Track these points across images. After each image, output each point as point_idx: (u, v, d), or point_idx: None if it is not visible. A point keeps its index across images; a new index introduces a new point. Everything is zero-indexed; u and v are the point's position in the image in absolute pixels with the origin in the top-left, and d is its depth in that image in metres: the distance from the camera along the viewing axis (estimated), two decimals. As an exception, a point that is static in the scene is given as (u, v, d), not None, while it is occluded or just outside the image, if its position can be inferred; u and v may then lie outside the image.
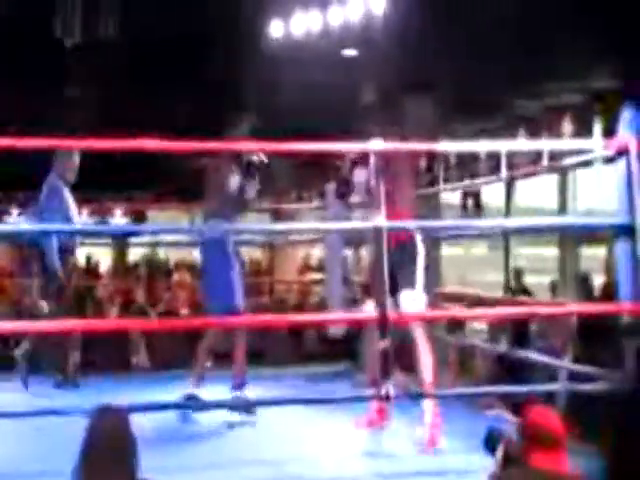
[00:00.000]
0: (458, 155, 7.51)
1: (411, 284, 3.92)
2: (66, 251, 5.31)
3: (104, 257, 12.30)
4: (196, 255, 11.05)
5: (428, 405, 3.80)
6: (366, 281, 4.22)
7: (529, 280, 7.61)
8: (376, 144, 3.54)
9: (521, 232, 5.04)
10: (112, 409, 2.34)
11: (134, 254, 12.87)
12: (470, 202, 9.60)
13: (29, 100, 9.47)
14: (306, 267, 10.00)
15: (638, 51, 5.79)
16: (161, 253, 12.93)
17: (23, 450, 3.76)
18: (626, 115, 3.73)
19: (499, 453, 2.53)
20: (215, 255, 4.30)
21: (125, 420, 2.30)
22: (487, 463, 3.30)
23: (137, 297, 7.90)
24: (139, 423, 2.35)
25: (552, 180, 7.36)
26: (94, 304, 7.95)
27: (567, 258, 7.32)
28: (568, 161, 4.78)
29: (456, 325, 5.96)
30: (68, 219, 5.23)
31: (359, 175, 3.97)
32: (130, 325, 4.54)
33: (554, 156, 5.27)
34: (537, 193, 7.39)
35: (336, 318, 5.33)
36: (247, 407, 4.20)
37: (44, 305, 7.73)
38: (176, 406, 4.10)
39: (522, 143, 3.81)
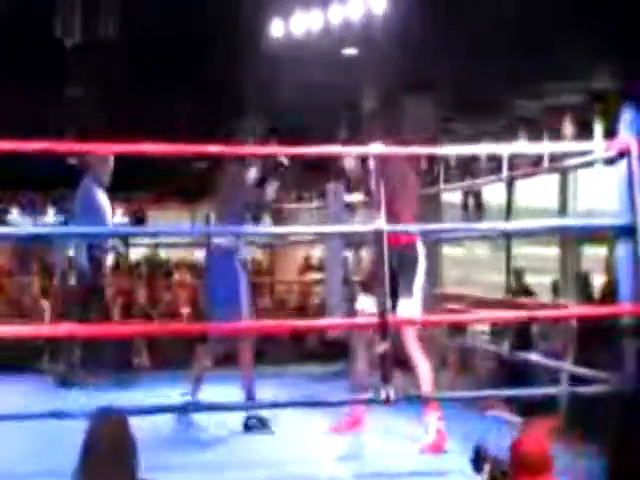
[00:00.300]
0: (459, 155, 7.50)
1: (409, 293, 3.90)
2: (100, 251, 5.30)
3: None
4: (198, 255, 11.06)
5: (432, 412, 3.78)
6: (364, 279, 4.19)
7: (530, 280, 7.60)
8: (376, 147, 3.53)
9: (522, 234, 5.04)
10: (112, 411, 2.35)
11: (135, 254, 12.86)
12: (471, 201, 9.60)
13: (29, 100, 9.47)
14: (307, 267, 10.00)
15: (638, 51, 5.78)
16: (162, 253, 12.93)
17: (23, 451, 3.76)
18: (626, 116, 3.72)
19: (485, 473, 2.54)
20: (223, 262, 4.20)
21: (125, 422, 2.30)
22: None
23: (138, 297, 7.90)
24: (139, 424, 2.35)
25: (553, 179, 7.36)
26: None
27: (568, 258, 7.33)
28: (569, 162, 4.77)
29: (457, 327, 5.95)
30: (103, 221, 5.21)
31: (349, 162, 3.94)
32: (132, 330, 4.53)
33: (555, 156, 5.27)
34: (538, 193, 7.39)
35: (336, 323, 5.32)
36: (262, 423, 4.15)
37: (45, 305, 7.74)
38: (176, 409, 4.09)
39: (523, 146, 3.80)
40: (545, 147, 3.55)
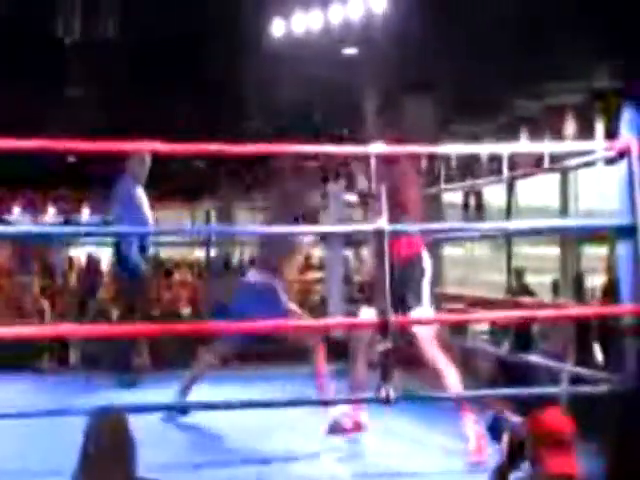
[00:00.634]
0: (459, 155, 7.50)
1: (419, 301, 3.86)
2: (143, 252, 5.29)
3: (105, 256, 12.30)
4: (197, 254, 11.06)
5: (467, 418, 3.75)
6: (370, 282, 4.16)
7: (530, 280, 7.61)
8: (376, 147, 3.53)
9: (523, 234, 5.04)
10: (111, 410, 2.35)
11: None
12: (472, 202, 9.60)
13: (29, 100, 9.47)
14: (307, 266, 9.99)
15: (638, 51, 5.79)
16: (162, 252, 12.93)
17: (23, 449, 3.76)
18: (627, 115, 3.72)
19: (504, 442, 2.50)
20: (262, 295, 4.17)
21: (124, 421, 2.30)
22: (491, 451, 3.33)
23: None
24: (137, 423, 2.35)
25: (554, 179, 7.36)
26: (96, 303, 7.95)
27: (568, 258, 7.33)
28: (569, 162, 4.77)
29: (458, 327, 5.95)
30: (144, 220, 5.19)
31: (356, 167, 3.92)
32: (134, 330, 4.52)
33: (556, 156, 5.27)
34: (539, 192, 7.39)
35: (337, 323, 5.32)
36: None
37: (45, 304, 7.74)
38: (174, 407, 4.09)
39: (524, 145, 3.80)
40: (546, 147, 3.55)
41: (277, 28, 8.00)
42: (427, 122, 6.41)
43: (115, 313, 7.69)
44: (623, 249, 3.68)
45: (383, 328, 3.36)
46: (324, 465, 3.65)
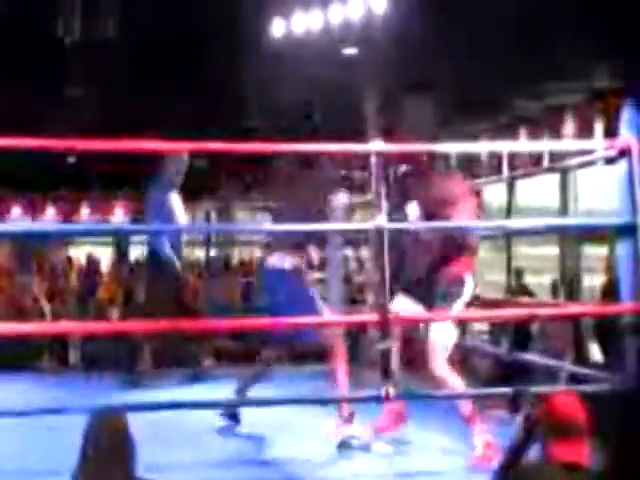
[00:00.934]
0: (459, 155, 7.50)
1: (452, 302, 3.77)
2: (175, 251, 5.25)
3: (105, 256, 12.30)
4: (199, 254, 11.04)
5: (475, 426, 3.71)
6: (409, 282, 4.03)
7: (529, 280, 7.60)
8: (376, 145, 3.53)
9: (523, 233, 5.04)
10: (111, 410, 2.35)
11: (135, 253, 12.86)
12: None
13: (29, 100, 9.48)
14: (307, 266, 9.99)
15: (638, 51, 5.79)
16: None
17: (23, 449, 3.76)
18: (627, 115, 3.72)
19: (522, 418, 2.43)
20: (289, 286, 4.03)
21: (124, 421, 2.30)
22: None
23: (138, 296, 7.90)
24: (135, 422, 2.34)
25: (553, 179, 7.34)
26: (95, 303, 7.96)
27: (567, 258, 7.30)
28: (569, 161, 4.77)
29: (457, 326, 5.94)
30: (174, 222, 5.14)
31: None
32: (134, 327, 4.53)
33: (555, 156, 5.27)
34: (538, 192, 7.38)
35: (337, 321, 5.31)
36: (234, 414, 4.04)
37: (46, 305, 7.75)
38: (174, 406, 4.08)
39: (525, 144, 3.80)
40: (545, 146, 3.55)
41: (277, 28, 8.00)
42: (427, 122, 6.41)
43: (114, 313, 7.71)
44: (623, 248, 3.69)
45: (383, 326, 3.37)
46: (323, 465, 3.64)
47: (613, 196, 3.81)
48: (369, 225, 3.64)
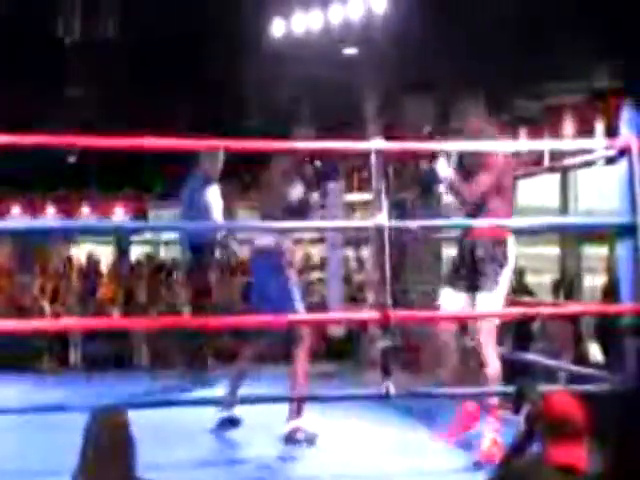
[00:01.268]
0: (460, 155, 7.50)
1: (491, 287, 3.74)
2: (223, 247, 5.21)
3: (105, 255, 12.29)
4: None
5: (489, 422, 3.72)
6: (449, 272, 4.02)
7: (529, 279, 7.60)
8: (377, 143, 3.54)
9: (523, 232, 5.04)
10: (111, 408, 2.34)
11: (135, 253, 12.83)
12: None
13: (29, 100, 9.48)
14: (307, 266, 9.99)
15: (638, 51, 5.80)
16: (162, 252, 12.92)
17: (24, 448, 3.76)
18: (627, 115, 3.73)
19: (523, 416, 2.41)
20: (269, 262, 4.02)
21: (124, 419, 2.29)
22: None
23: (138, 296, 7.90)
24: (135, 420, 2.34)
25: (554, 179, 7.35)
26: (95, 303, 7.96)
27: (568, 257, 7.32)
28: (570, 161, 4.77)
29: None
30: (212, 217, 5.06)
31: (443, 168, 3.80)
32: (133, 323, 4.52)
33: (556, 156, 5.27)
34: (539, 192, 7.39)
35: (338, 318, 5.32)
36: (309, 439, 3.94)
37: (45, 304, 7.75)
38: (171, 403, 4.08)
39: (524, 144, 3.81)
40: (546, 145, 3.56)
41: (277, 28, 8.00)
42: (427, 122, 6.41)
43: (115, 312, 7.71)
44: (623, 248, 3.69)
45: (383, 324, 3.37)
46: (321, 464, 3.64)
47: (613, 196, 3.81)
48: (369, 223, 3.64)
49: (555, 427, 2.21)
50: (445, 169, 3.79)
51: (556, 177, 6.88)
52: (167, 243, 13.19)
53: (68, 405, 3.27)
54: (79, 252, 12.11)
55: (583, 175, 6.92)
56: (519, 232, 5.27)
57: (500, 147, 3.82)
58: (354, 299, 7.29)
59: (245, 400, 4.05)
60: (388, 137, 3.81)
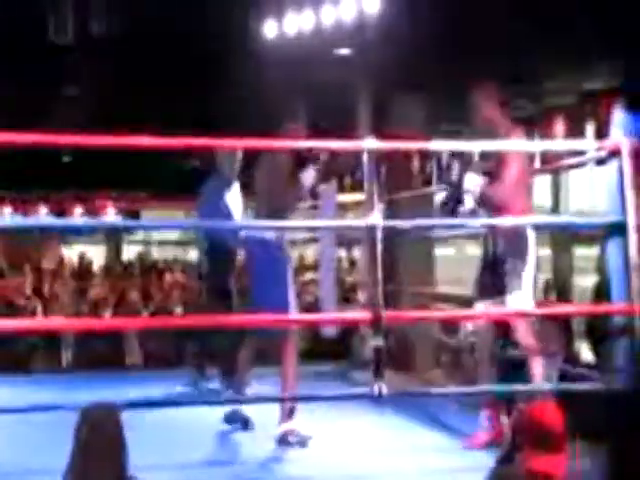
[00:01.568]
0: (451, 155, 7.54)
1: (518, 286, 3.71)
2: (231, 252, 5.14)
3: (97, 255, 12.27)
4: (192, 254, 11.03)
5: (486, 410, 3.74)
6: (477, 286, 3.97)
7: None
8: (369, 143, 3.55)
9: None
10: (102, 406, 2.31)
11: (127, 253, 12.82)
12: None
13: (25, 100, 9.46)
14: (301, 267, 10.00)
15: (630, 52, 5.82)
16: (155, 252, 12.91)
17: (14, 446, 3.76)
18: (617, 116, 3.75)
19: (510, 422, 2.44)
20: (267, 256, 4.00)
21: (115, 417, 2.27)
22: (478, 462, 3.34)
23: (131, 296, 7.90)
24: (128, 421, 2.34)
25: (545, 180, 7.38)
26: (88, 303, 7.95)
27: (560, 258, 7.35)
28: (561, 162, 4.80)
29: (450, 325, 5.98)
30: (233, 218, 5.00)
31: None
32: (126, 324, 4.52)
33: (547, 157, 5.29)
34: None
35: (330, 318, 5.33)
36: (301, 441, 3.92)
37: (37, 304, 7.73)
38: (167, 403, 4.09)
39: (515, 144, 3.83)
40: (537, 146, 3.57)
41: (269, 29, 8.00)
42: (419, 122, 6.43)
43: (107, 312, 7.69)
44: (613, 248, 3.71)
45: (376, 324, 3.38)
46: (318, 464, 3.65)
47: (604, 197, 3.83)
48: (361, 222, 3.65)
49: (535, 437, 2.22)
50: (475, 181, 3.78)
51: (547, 178, 6.90)
52: (160, 243, 13.19)
53: (60, 404, 3.26)
54: (71, 252, 12.10)
55: (574, 176, 6.95)
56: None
57: (491, 147, 3.84)
58: (347, 299, 7.30)
59: (242, 400, 4.06)
60: (380, 137, 3.82)
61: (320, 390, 4.10)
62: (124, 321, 5.63)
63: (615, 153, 3.70)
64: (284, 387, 3.96)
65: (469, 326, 5.54)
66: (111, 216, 12.31)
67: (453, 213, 3.79)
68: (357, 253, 7.67)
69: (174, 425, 4.18)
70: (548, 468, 2.20)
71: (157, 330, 6.56)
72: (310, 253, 10.20)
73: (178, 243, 12.72)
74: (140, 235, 13.05)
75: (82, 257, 11.29)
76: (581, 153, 4.36)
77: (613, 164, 3.72)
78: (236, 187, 5.19)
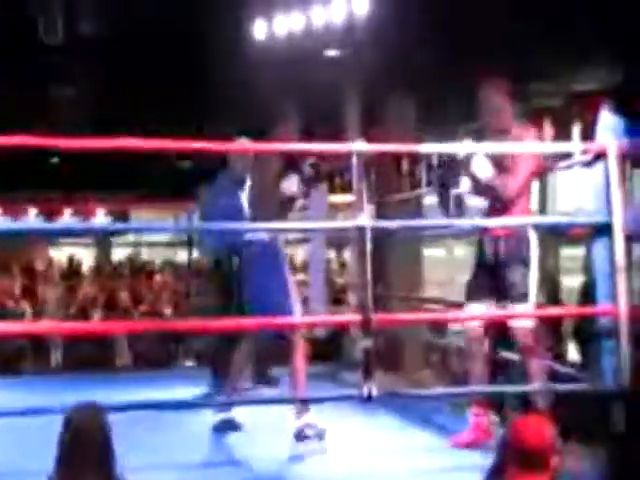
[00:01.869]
0: (440, 157, 7.55)
1: (523, 297, 3.69)
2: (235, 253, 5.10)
3: (87, 257, 12.24)
4: (182, 255, 11.02)
5: (474, 408, 3.75)
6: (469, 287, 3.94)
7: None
8: (359, 145, 3.56)
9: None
10: (87, 406, 2.30)
11: (116, 255, 12.80)
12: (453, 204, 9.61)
13: (14, 100, 9.43)
14: (292, 267, 10.01)
15: (618, 54, 5.86)
16: (144, 254, 12.89)
17: (3, 449, 3.75)
18: (604, 118, 3.78)
19: (497, 443, 2.41)
20: (265, 256, 4.01)
21: (100, 417, 2.26)
22: (470, 462, 3.37)
23: (120, 298, 7.89)
24: (114, 422, 2.34)
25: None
26: (77, 304, 7.94)
27: (547, 258, 7.36)
28: (549, 164, 4.82)
29: (439, 326, 6.00)
30: (246, 219, 5.00)
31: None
32: (115, 327, 4.52)
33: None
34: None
35: (320, 321, 5.33)
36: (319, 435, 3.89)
37: (26, 306, 7.71)
38: (157, 405, 4.08)
39: (502, 146, 3.85)
40: (523, 147, 3.61)
41: (259, 30, 8.00)
42: (409, 124, 6.46)
43: (95, 314, 7.69)
44: (599, 249, 3.74)
45: (365, 326, 3.39)
46: (315, 464, 3.66)
47: (590, 198, 3.86)
48: (350, 224, 3.66)
49: (518, 456, 2.19)
50: (485, 168, 3.73)
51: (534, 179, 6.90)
52: (151, 245, 13.17)
53: (49, 407, 3.26)
54: (60, 254, 12.07)
55: (560, 178, 6.98)
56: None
57: (481, 148, 3.86)
58: (337, 301, 7.32)
59: (242, 402, 4.06)
60: (370, 139, 3.84)
61: (310, 391, 4.11)
62: (115, 325, 5.61)
63: (601, 155, 3.73)
64: (295, 385, 3.95)
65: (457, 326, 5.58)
66: (100, 218, 12.29)
67: (447, 192, 3.79)
68: (348, 254, 7.68)
69: (176, 425, 4.18)
70: None
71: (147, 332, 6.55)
72: (300, 254, 10.20)
73: (168, 244, 12.71)
74: (130, 237, 13.02)
75: (71, 259, 11.27)
76: (568, 155, 4.39)
77: (599, 166, 3.75)
78: (248, 185, 5.15)
